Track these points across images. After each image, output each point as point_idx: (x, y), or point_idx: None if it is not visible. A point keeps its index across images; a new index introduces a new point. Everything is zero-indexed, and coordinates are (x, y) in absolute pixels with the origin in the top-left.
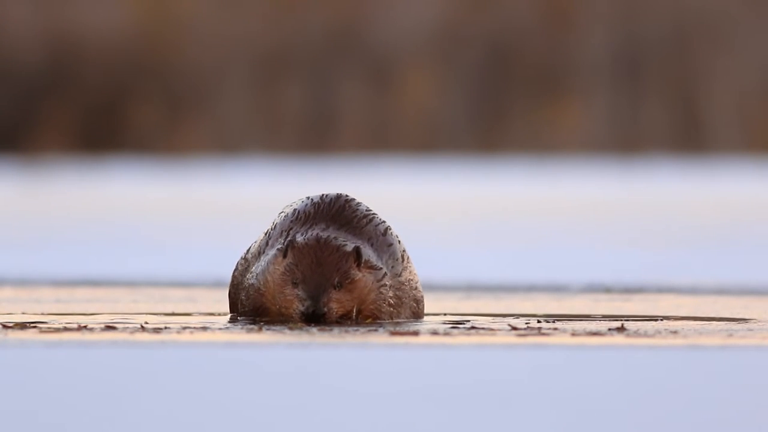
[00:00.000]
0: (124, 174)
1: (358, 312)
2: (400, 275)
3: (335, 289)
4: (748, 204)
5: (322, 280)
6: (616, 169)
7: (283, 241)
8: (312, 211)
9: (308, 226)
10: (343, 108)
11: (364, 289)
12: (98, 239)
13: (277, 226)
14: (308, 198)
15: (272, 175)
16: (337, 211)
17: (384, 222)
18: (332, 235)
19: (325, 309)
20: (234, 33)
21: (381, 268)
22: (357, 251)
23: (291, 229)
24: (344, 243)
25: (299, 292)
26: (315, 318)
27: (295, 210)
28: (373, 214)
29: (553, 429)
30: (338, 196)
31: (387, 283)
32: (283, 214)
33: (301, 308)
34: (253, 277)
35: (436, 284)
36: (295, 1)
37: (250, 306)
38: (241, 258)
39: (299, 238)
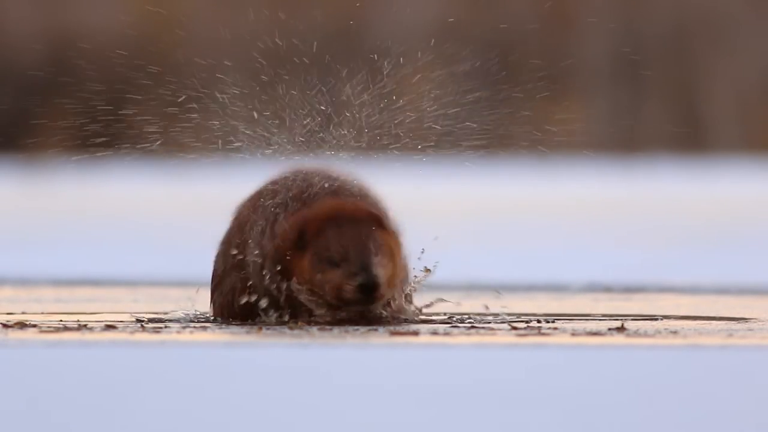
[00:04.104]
0: (124, 174)
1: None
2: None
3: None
4: (748, 204)
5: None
6: (616, 169)
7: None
8: (291, 183)
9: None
10: (343, 108)
11: (396, 254)
12: (98, 239)
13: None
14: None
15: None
16: (311, 174)
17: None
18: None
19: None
20: (234, 33)
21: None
22: (377, 219)
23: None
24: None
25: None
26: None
27: (270, 190)
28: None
29: (553, 429)
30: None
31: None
32: (253, 202)
33: (354, 284)
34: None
35: (436, 284)
36: (295, 1)
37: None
38: (230, 257)
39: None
